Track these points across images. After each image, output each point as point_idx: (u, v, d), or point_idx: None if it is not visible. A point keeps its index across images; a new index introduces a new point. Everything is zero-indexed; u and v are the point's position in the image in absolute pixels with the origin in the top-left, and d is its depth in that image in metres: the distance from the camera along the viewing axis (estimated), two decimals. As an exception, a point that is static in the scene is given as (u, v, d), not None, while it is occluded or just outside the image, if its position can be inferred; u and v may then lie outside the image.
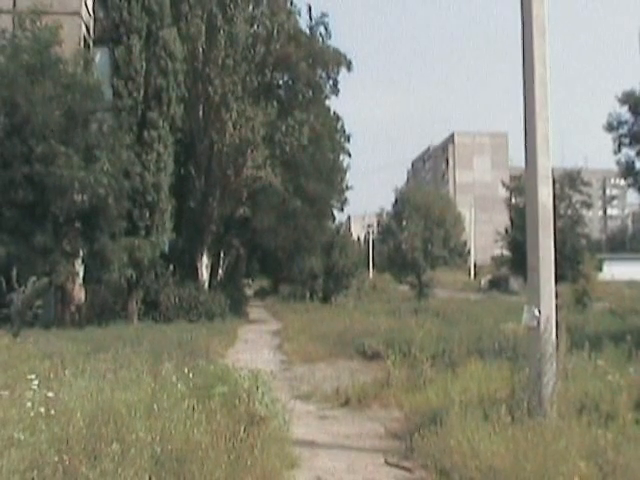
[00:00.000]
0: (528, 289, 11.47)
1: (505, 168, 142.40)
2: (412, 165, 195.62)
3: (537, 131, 11.01)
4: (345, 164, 56.23)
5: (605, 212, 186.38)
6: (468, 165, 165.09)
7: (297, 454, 10.37)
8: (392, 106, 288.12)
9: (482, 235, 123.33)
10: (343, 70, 47.30)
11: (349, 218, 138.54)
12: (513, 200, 71.15)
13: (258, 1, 44.25)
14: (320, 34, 47.03)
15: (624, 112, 24.72)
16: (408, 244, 65.18)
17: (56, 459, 7.66)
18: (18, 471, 7.44)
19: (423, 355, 15.67)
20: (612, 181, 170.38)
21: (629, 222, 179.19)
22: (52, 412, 8.94)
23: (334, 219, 64.06)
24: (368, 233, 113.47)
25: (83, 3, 38.47)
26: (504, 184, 77.39)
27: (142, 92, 34.07)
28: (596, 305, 40.73)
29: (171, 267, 39.39)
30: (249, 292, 75.00)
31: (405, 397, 14.06)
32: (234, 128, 40.34)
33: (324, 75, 47.25)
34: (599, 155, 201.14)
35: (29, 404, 9.10)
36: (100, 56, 35.61)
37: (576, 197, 67.88)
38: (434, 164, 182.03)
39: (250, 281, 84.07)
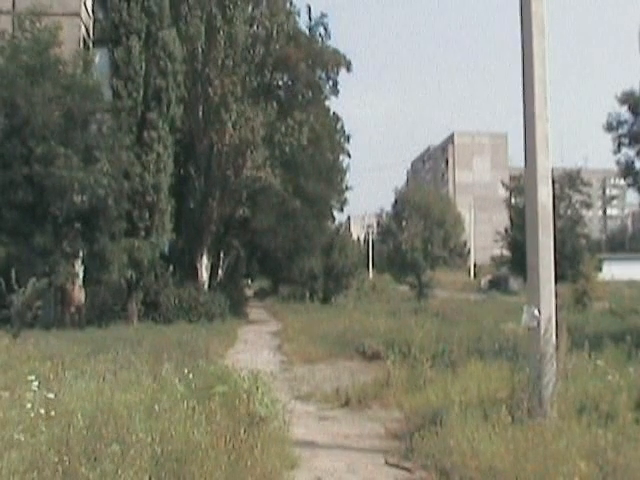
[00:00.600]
0: (528, 289, 11.47)
1: (505, 168, 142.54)
2: (412, 165, 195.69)
3: (536, 131, 11.02)
4: (345, 164, 56.35)
5: (605, 212, 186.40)
6: (468, 165, 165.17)
7: (297, 454, 10.37)
8: (391, 106, 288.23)
9: (482, 235, 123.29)
10: (343, 70, 47.36)
11: (349, 218, 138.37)
12: (513, 200, 71.22)
13: (257, 2, 44.25)
14: (320, 35, 47.09)
15: (624, 112, 24.78)
16: (408, 244, 65.28)
17: (56, 460, 7.67)
18: (18, 472, 7.45)
19: (423, 355, 15.67)
20: (612, 181, 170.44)
21: (629, 222, 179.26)
22: (52, 413, 8.95)
23: (334, 219, 64.12)
24: (368, 233, 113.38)
25: (82, 4, 38.46)
26: (504, 184, 77.44)
27: (142, 93, 34.04)
28: (596, 305, 40.77)
29: (171, 268, 39.37)
30: (249, 293, 75.01)
31: (405, 397, 14.06)
32: (234, 129, 40.34)
33: (324, 76, 47.28)
34: (599, 155, 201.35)
35: (29, 405, 9.11)
36: (99, 57, 35.56)
37: (576, 197, 67.94)
38: (434, 164, 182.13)
39: (250, 282, 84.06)
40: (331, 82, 47.76)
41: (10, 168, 29.18)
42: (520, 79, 11.32)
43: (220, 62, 39.84)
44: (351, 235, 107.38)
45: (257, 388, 11.20)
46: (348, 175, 56.95)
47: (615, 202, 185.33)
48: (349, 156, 56.01)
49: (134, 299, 35.06)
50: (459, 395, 11.62)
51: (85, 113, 31.41)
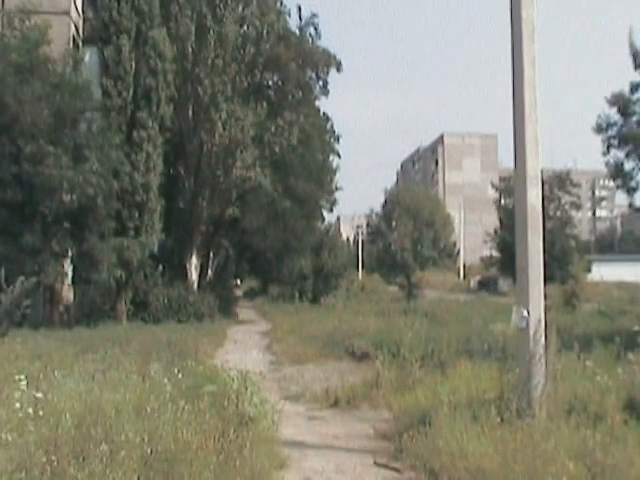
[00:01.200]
0: (517, 290, 11.49)
1: (494, 169, 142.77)
2: (401, 166, 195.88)
3: (526, 132, 11.03)
4: (335, 165, 56.22)
5: (594, 213, 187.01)
6: (457, 166, 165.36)
7: (286, 455, 10.38)
8: (382, 107, 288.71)
9: (471, 236, 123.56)
10: (333, 71, 47.30)
11: (338, 219, 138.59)
12: (502, 201, 71.18)
13: (248, 1, 44.18)
14: (310, 35, 47.03)
15: (613, 114, 24.75)
16: (397, 245, 65.23)
17: (44, 460, 7.64)
18: (6, 472, 7.43)
19: (412, 356, 15.68)
20: (601, 182, 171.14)
21: (618, 223, 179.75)
22: (41, 413, 8.92)
23: (323, 220, 64.01)
24: (357, 234, 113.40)
25: (72, 3, 38.36)
26: (493, 185, 77.39)
27: (131, 92, 34.01)
28: (585, 306, 40.85)
29: (160, 267, 39.33)
30: (238, 293, 75.01)
31: (394, 398, 14.07)
32: (223, 128, 40.30)
33: (314, 76, 47.21)
34: (588, 156, 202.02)
35: (17, 405, 9.07)
36: (89, 56, 35.53)
37: (565, 198, 67.96)
38: (424, 165, 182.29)
39: (239, 282, 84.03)
40: (321, 82, 47.71)
41: (-1, 167, 29.12)
42: (510, 81, 11.33)
43: (210, 62, 39.80)
44: (341, 235, 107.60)
45: (246, 388, 11.20)
46: (338, 175, 56.79)
47: (604, 203, 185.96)
48: (339, 156, 55.96)
49: (123, 299, 35.03)
50: (448, 396, 11.63)
51: (75, 112, 31.34)
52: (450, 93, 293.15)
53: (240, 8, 43.30)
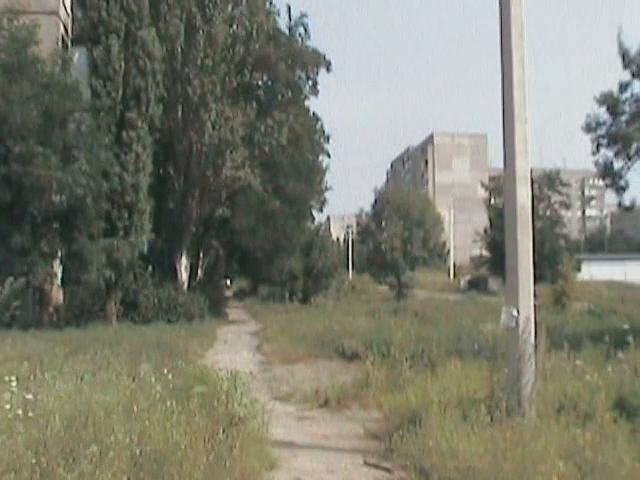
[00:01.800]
0: (507, 289, 11.50)
1: (484, 169, 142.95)
2: (391, 166, 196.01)
3: (515, 132, 11.05)
4: (324, 165, 56.32)
5: (584, 212, 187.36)
6: (447, 166, 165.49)
7: (276, 455, 10.36)
8: (371, 107, 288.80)
9: (461, 235, 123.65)
10: (322, 71, 47.36)
11: (328, 219, 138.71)
12: (492, 201, 71.36)
13: (237, 1, 44.19)
14: (299, 34, 47.11)
15: (602, 113, 24.80)
16: (387, 245, 65.26)
17: (34, 461, 7.61)
18: (-5, 473, 7.40)
19: (402, 355, 15.69)
20: (591, 182, 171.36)
21: (607, 223, 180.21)
22: (30, 414, 8.88)
23: (313, 220, 64.12)
24: (347, 234, 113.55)
25: (61, 3, 38.30)
26: (483, 185, 77.50)
27: (121, 92, 33.96)
28: (575, 305, 40.97)
29: (150, 268, 39.29)
30: (228, 293, 75.00)
31: (384, 397, 14.06)
32: (213, 128, 40.30)
33: (303, 75, 47.28)
34: (578, 156, 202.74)
35: (7, 406, 9.04)
36: (78, 56, 35.42)
37: (555, 197, 68.11)
38: (413, 165, 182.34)
39: (229, 282, 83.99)
40: (311, 82, 47.82)
41: (-12, 168, 29.03)
42: (499, 80, 11.35)
43: (199, 62, 39.79)
44: (331, 235, 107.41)
45: (236, 388, 11.18)
46: (328, 175, 56.89)
47: (594, 203, 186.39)
48: (329, 156, 56.02)
49: (113, 299, 34.96)
50: (438, 395, 11.63)
51: (63, 112, 31.25)
52: (440, 93, 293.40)
53: (229, 8, 43.31)
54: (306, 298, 57.29)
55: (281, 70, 45.17)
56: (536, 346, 10.94)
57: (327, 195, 58.81)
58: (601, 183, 46.20)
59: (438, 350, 17.68)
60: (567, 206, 72.33)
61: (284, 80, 46.10)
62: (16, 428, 8.41)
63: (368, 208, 76.58)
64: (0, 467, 7.50)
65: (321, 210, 61.05)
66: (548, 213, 66.79)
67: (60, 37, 37.70)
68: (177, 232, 43.83)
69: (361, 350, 20.27)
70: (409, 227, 67.17)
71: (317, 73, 47.33)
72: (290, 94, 47.40)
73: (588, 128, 25.05)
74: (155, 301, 37.30)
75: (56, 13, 37.38)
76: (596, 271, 75.82)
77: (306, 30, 47.06)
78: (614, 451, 8.62)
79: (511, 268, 11.06)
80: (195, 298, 39.91)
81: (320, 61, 46.95)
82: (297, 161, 48.60)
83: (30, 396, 9.52)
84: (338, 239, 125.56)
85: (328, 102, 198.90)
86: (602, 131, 24.80)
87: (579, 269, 64.70)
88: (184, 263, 44.30)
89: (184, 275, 44.04)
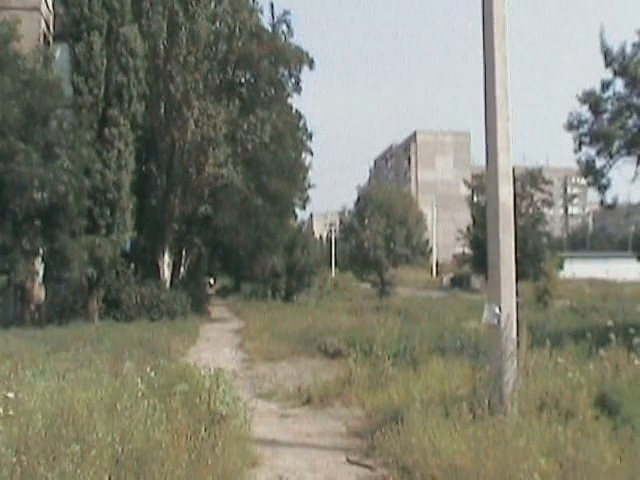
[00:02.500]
0: (489, 287, 11.52)
1: (467, 167, 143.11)
2: (374, 163, 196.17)
3: (498, 130, 11.07)
4: (307, 162, 56.27)
5: (566, 210, 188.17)
6: (430, 163, 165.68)
7: (258, 453, 10.35)
8: (354, 105, 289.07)
9: (444, 233, 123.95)
10: (305, 68, 47.28)
11: (311, 216, 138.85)
12: (475, 198, 71.49)
13: (220, -2, 44.09)
14: (282, 32, 46.98)
15: (584, 111, 24.88)
16: (370, 242, 65.21)
17: (14, 460, 7.59)
18: (-25, 472, 7.36)
19: (385, 353, 15.72)
20: (573, 180, 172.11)
21: (590, 220, 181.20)
22: (11, 413, 8.85)
23: (296, 217, 64.14)
24: (330, 231, 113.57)
25: (43, -2, 38.13)
26: (466, 182, 77.63)
27: (103, 89, 33.85)
28: (557, 303, 41.10)
29: (132, 265, 39.12)
30: (211, 290, 74.86)
31: (367, 395, 14.08)
32: (196, 126, 40.20)
33: (286, 73, 47.18)
34: (560, 154, 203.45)
35: (-13, 405, 9.00)
36: (60, 52, 35.26)
37: (537, 195, 68.28)
38: (396, 162, 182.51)
39: (212, 280, 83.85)
40: (294, 79, 47.70)
41: (-32, 164, 28.87)
42: (482, 78, 11.36)
43: (182, 59, 39.66)
44: (313, 233, 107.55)
45: (218, 386, 11.17)
46: (311, 173, 56.89)
47: (576, 201, 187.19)
48: (311, 154, 55.95)
49: (95, 297, 34.83)
50: (420, 393, 11.66)
51: (45, 109, 31.09)
52: (423, 91, 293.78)
53: (212, 5, 43.17)
54: (289, 296, 57.21)
55: (264, 67, 45.10)
56: (518, 343, 10.98)
57: (310, 193, 58.80)
58: (583, 181, 46.41)
59: (420, 348, 17.73)
60: (549, 204, 72.53)
61: (267, 77, 46.02)
62: (-3, 427, 8.38)
63: (351, 206, 76.62)
64: (-20, 466, 7.47)
65: (304, 208, 61.07)
66: (531, 211, 66.95)
67: (42, 33, 37.48)
68: (159, 230, 43.70)
69: (344, 348, 20.29)
70: (392, 225, 67.10)
71: (300, 71, 47.25)
72: (273, 92, 47.35)
73: (570, 126, 25.12)
74: (137, 299, 37.16)
75: (38, 9, 37.19)
76: (578, 269, 76.07)
77: (289, 27, 47.01)
78: (595, 448, 8.66)
79: (493, 265, 11.09)
80: (177, 296, 39.80)
81: (303, 59, 46.87)
82: (280, 159, 48.54)
83: (11, 394, 9.49)
84: (321, 237, 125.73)
85: (311, 100, 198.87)
86: (584, 129, 24.88)
87: (561, 267, 64.95)
88: (166, 261, 44.18)
89: (166, 273, 43.92)
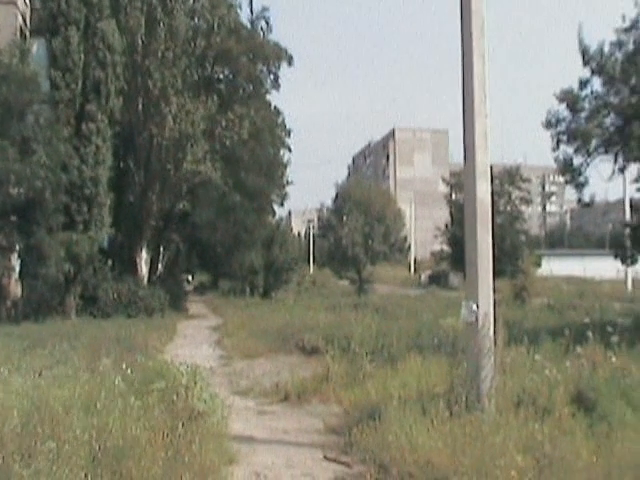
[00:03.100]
0: (466, 284, 11.55)
1: (445, 164, 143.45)
2: (353, 160, 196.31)
3: (475, 127, 11.08)
4: (286, 159, 56.26)
5: (544, 208, 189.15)
6: (409, 161, 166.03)
7: (235, 450, 10.31)
8: (333, 101, 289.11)
9: (422, 230, 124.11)
10: (284, 65, 47.28)
11: (290, 213, 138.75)
12: (453, 196, 71.53)
13: (198, -6, 43.96)
14: (261, 28, 46.99)
15: (562, 109, 24.97)
16: (348, 239, 65.24)
17: (-11, 457, 7.54)
18: (-51, 470, 7.31)
19: (362, 350, 15.72)
20: (551, 178, 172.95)
21: (567, 218, 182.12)
22: (-15, 410, 8.79)
23: (274, 214, 64.07)
24: (308, 228, 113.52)
25: (19, -7, 37.90)
26: (444, 180, 77.70)
27: (80, 84, 33.70)
28: (535, 300, 41.23)
29: (110, 262, 39.02)
30: (189, 287, 74.72)
31: (344, 392, 14.08)
32: (174, 122, 40.09)
33: (265, 69, 47.17)
34: (538, 152, 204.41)
35: (-38, 402, 8.94)
36: (37, 47, 35.06)
37: (515, 193, 68.34)
38: (375, 159, 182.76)
39: (190, 277, 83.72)
40: (272, 76, 47.70)
41: (-56, 160, 28.65)
42: (460, 76, 11.37)
43: (160, 54, 39.54)
44: (292, 230, 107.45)
45: (196, 383, 11.14)
46: (289, 169, 56.88)
47: (554, 199, 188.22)
48: (290, 150, 55.99)
49: (72, 293, 34.67)
50: (398, 390, 11.67)
51: (22, 104, 30.89)
52: (402, 88, 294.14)
53: (191, 1, 43.13)
54: (267, 293, 57.21)
55: (242, 64, 45.05)
56: (496, 341, 11.00)
57: (288, 189, 58.78)
58: (561, 179, 46.59)
59: (398, 345, 17.76)
60: (527, 202, 72.62)
61: (245, 74, 45.97)
62: (-29, 424, 8.32)
63: (329, 203, 76.55)
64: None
65: (282, 204, 61.03)
66: (509, 209, 67.05)
67: (18, 28, 37.28)
68: (137, 226, 43.57)
69: (321, 345, 20.27)
70: (370, 222, 67.14)
71: (279, 67, 47.28)
72: (251, 88, 47.31)
73: (548, 124, 25.20)
74: (115, 295, 37.03)
75: (14, 3, 36.99)
76: (556, 266, 76.36)
77: (268, 24, 47.03)
78: (572, 445, 8.70)
79: (471, 263, 11.11)
80: (155, 292, 39.71)
81: (282, 55, 46.88)
82: (258, 155, 48.52)
83: (-14, 391, 9.42)
84: (299, 234, 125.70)
85: (289, 96, 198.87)
86: (562, 127, 24.96)
87: (539, 264, 65.10)
88: (144, 257, 44.06)
89: (144, 269, 43.80)
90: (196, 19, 43.12)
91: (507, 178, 67.20)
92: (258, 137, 46.87)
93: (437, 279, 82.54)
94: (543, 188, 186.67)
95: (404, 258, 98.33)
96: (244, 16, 47.22)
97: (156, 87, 39.85)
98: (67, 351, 15.30)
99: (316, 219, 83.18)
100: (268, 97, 50.61)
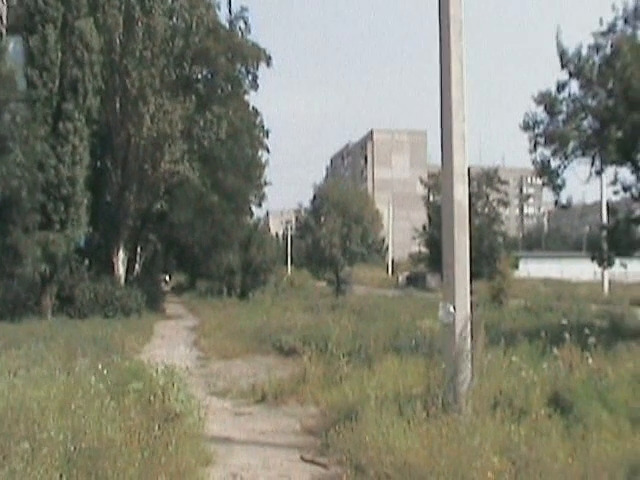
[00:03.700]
0: (444, 286, 11.57)
1: (424, 166, 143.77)
2: (331, 162, 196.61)
3: (453, 129, 11.12)
4: (264, 159, 56.36)
5: (522, 210, 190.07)
6: (387, 162, 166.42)
7: (212, 451, 10.30)
8: (312, 102, 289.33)
9: (400, 232, 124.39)
10: (263, 65, 47.28)
11: (267, 214, 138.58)
12: (431, 197, 71.63)
13: (177, -7, 43.83)
14: (240, 28, 46.98)
15: (540, 112, 25.05)
16: (326, 240, 65.19)
17: (-37, 458, 7.49)
18: None
19: (339, 351, 15.73)
20: (528, 180, 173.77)
21: (545, 220, 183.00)
22: (-40, 410, 8.74)
23: (252, 215, 64.07)
24: (286, 229, 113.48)
25: (-5, -10, 37.63)
26: (422, 181, 77.82)
27: (57, 83, 33.47)
28: (512, 302, 41.35)
29: (87, 262, 38.85)
30: (166, 288, 74.51)
31: (321, 393, 14.09)
32: (151, 121, 39.95)
33: (243, 70, 47.16)
34: (516, 154, 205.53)
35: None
36: (13, 45, 34.80)
37: (493, 195, 68.51)
38: (353, 161, 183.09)
39: (167, 277, 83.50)
40: (251, 76, 47.70)
41: None
42: (438, 78, 11.40)
43: (138, 54, 39.36)
44: (269, 230, 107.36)
45: (172, 384, 11.13)
46: (267, 170, 56.95)
47: (532, 201, 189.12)
48: (268, 151, 56.07)
49: (48, 293, 34.47)
50: (375, 391, 11.67)
51: (-2, 102, 30.75)
52: (380, 90, 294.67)
53: (169, 0, 42.91)
54: (244, 293, 57.05)
55: (221, 64, 44.99)
56: (473, 342, 11.03)
57: (266, 190, 58.91)
58: (539, 181, 46.76)
59: (375, 346, 17.77)
60: (505, 204, 72.83)
61: (224, 74, 45.92)
62: (-55, 425, 8.27)
63: (307, 204, 76.51)
64: None
65: (260, 205, 61.10)
66: (486, 210, 67.22)
67: (-6, 25, 37.03)
68: (114, 226, 43.36)
69: (299, 346, 20.28)
70: (348, 223, 67.10)
71: (257, 67, 47.29)
72: (230, 88, 47.27)
73: (526, 127, 25.26)
74: (91, 295, 36.84)
75: (-10, 1, 36.73)
76: (533, 268, 76.80)
77: (246, 24, 47.03)
78: (548, 446, 8.74)
79: (448, 264, 11.14)
80: (132, 293, 39.54)
81: (260, 55, 46.88)
82: (236, 156, 48.52)
83: (-40, 392, 9.36)
84: (277, 234, 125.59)
85: (268, 97, 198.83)
86: (539, 130, 25.03)
87: (517, 266, 65.32)
88: (121, 257, 43.84)
89: (121, 269, 43.59)
90: (174, 18, 42.95)
91: (485, 180, 67.37)
92: (236, 137, 46.86)
93: (415, 280, 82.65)
94: (521, 190, 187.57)
95: (382, 259, 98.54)
96: (223, 16, 47.25)
97: (134, 86, 39.68)
98: (43, 351, 15.21)
99: (294, 220, 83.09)
100: (246, 97, 50.74)
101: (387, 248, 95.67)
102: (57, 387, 10.45)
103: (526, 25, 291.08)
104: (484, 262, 52.72)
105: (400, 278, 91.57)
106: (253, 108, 52.73)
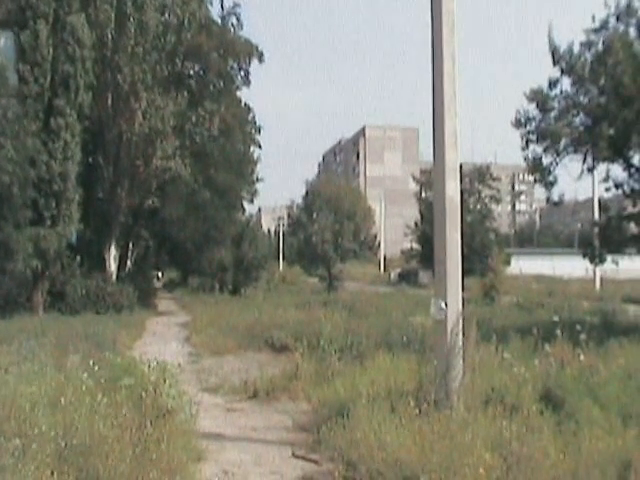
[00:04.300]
0: (435, 282, 11.58)
1: (416, 162, 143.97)
2: (323, 158, 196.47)
3: (445, 126, 11.12)
4: (256, 155, 56.33)
5: (514, 207, 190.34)
6: (379, 159, 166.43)
7: (204, 447, 10.30)
8: (304, 99, 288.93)
9: (392, 228, 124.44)
10: (255, 61, 47.20)
11: (259, 210, 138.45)
12: (423, 194, 71.75)
13: (169, -11, 43.71)
14: (232, 24, 46.83)
15: (532, 109, 25.08)
16: (318, 237, 65.21)
17: (-47, 455, 7.46)
18: None
19: (331, 348, 15.74)
20: (521, 177, 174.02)
21: (537, 217, 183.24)
22: (-49, 407, 8.72)
23: (244, 211, 64.03)
24: (278, 225, 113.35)
25: (-14, -16, 37.47)
26: (414, 178, 78.04)
27: (49, 78, 33.38)
28: (504, 299, 41.42)
29: (78, 258, 38.73)
30: (158, 284, 74.46)
31: (313, 390, 14.08)
32: (143, 117, 39.87)
33: (235, 66, 47.04)
34: (508, 151, 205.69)
35: None
36: (4, 40, 34.66)
37: (485, 192, 68.71)
38: (345, 157, 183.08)
39: (159, 273, 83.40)
40: (243, 72, 47.58)
41: None
42: (431, 74, 11.40)
43: (130, 49, 39.22)
44: (261, 227, 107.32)
45: (164, 380, 11.10)
46: (259, 166, 56.93)
47: (524, 197, 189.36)
48: (260, 147, 55.99)
49: (39, 289, 34.41)
50: (367, 387, 11.68)
51: (-11, 98, 30.65)
52: (372, 86, 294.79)
53: (161, -4, 42.80)
54: (236, 290, 57.03)
55: (213, 60, 44.90)
56: (465, 339, 11.04)
57: (258, 186, 58.90)
58: (531, 178, 46.79)
59: (367, 342, 17.80)
60: (497, 200, 73.05)
61: (216, 70, 45.80)
62: None
63: (299, 200, 76.51)
64: None
65: (252, 201, 61.09)
66: (478, 207, 67.42)
67: (-15, 21, 36.87)
68: (106, 222, 43.26)
69: (290, 342, 20.27)
70: (340, 219, 67.14)
71: (249, 63, 47.18)
72: (222, 84, 47.14)
73: (518, 124, 25.30)
74: (83, 292, 36.79)
75: (-20, -4, 36.56)
76: (525, 265, 76.80)
77: (239, 20, 46.89)
78: (540, 443, 8.74)
79: (440, 261, 11.14)
80: (124, 289, 39.48)
81: (252, 51, 46.79)
82: (228, 152, 48.46)
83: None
84: (269, 231, 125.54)
85: (260, 93, 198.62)
86: (532, 127, 25.07)
87: (509, 263, 65.42)
88: (113, 253, 43.75)
89: (113, 266, 43.50)
90: (166, 14, 42.79)
91: (477, 176, 67.56)
92: (228, 134, 46.80)
93: (407, 277, 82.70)
94: (513, 187, 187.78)
95: (374, 256, 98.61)
96: (215, 12, 47.11)
97: (126, 82, 39.57)
98: (34, 348, 15.16)
99: (286, 216, 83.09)
100: (239, 93, 50.60)
101: (379, 244, 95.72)
102: (48, 383, 10.42)
103: (519, 22, 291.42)
104: (476, 259, 52.90)
105: (392, 274, 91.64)
106: (245, 104, 52.68)
